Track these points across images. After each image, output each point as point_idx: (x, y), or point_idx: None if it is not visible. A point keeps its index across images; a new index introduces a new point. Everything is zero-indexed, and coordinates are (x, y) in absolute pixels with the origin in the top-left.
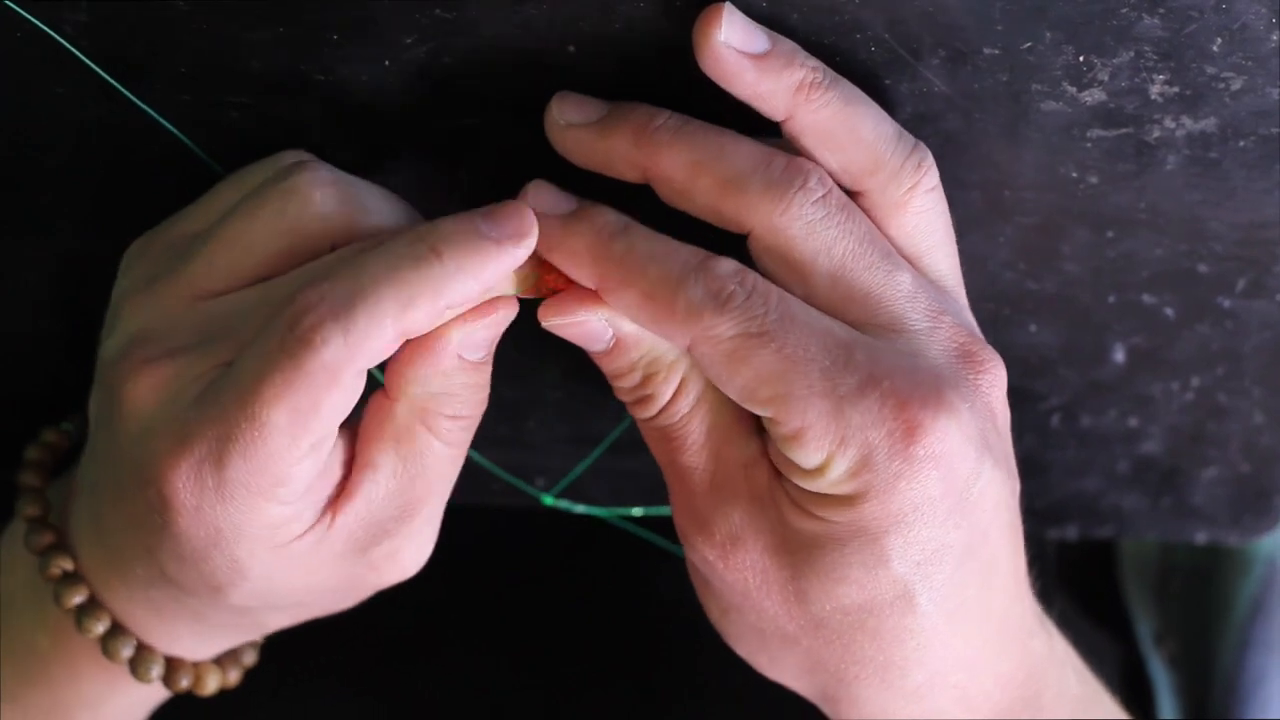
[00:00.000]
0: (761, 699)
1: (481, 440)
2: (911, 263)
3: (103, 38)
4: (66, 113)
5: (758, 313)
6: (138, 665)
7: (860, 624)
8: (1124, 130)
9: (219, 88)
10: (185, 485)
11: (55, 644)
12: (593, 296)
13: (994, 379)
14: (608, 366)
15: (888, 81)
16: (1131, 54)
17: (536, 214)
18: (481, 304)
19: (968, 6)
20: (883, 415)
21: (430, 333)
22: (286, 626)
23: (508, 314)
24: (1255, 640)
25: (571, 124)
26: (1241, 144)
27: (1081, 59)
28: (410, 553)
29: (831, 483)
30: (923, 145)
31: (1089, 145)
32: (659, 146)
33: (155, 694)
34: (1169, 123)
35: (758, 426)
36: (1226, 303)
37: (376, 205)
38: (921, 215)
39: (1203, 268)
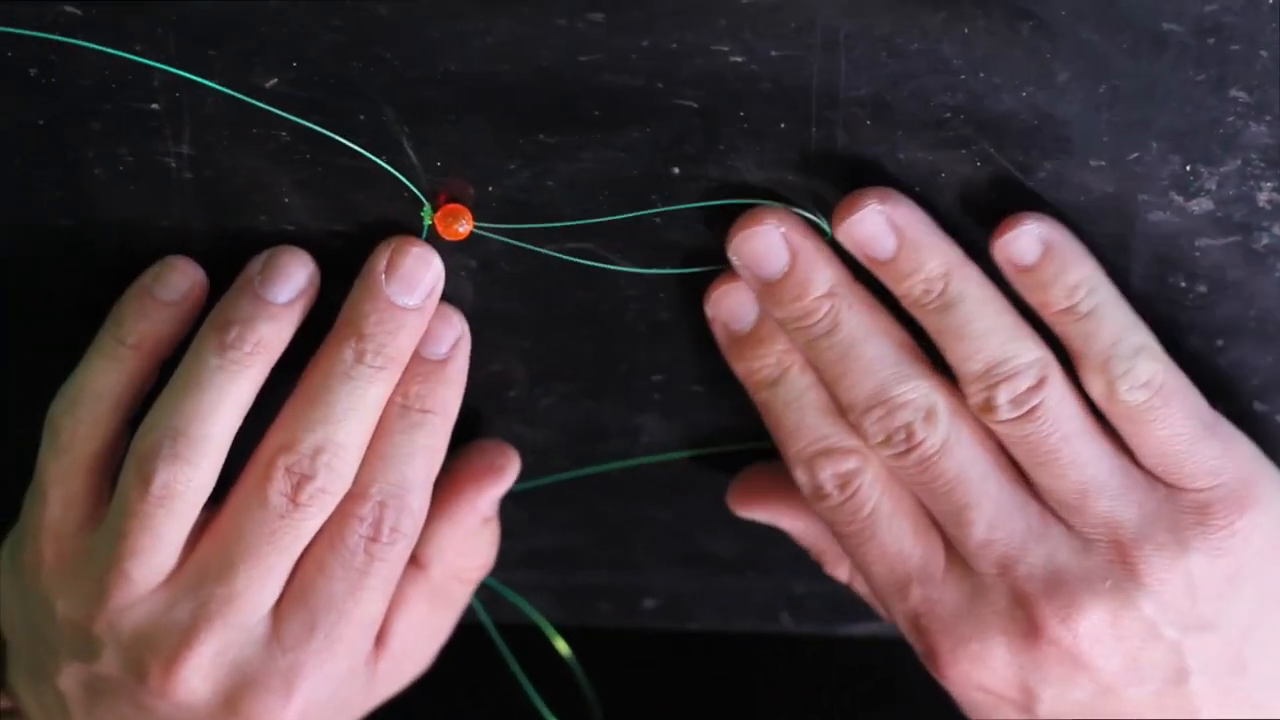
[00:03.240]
0: None
1: (589, 561)
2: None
3: (203, 168)
4: (170, 245)
5: (842, 519)
6: None
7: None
8: (1232, 239)
9: (321, 215)
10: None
11: None
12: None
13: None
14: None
15: (993, 195)
16: (1239, 162)
17: (720, 327)
18: (495, 466)
19: (1073, 120)
20: (917, 644)
21: (459, 506)
22: None
23: (515, 469)
24: None
25: None
26: None
27: (1188, 168)
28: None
29: None
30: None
31: (1198, 254)
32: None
33: None
34: (1277, 229)
35: None
36: None
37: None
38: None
39: None
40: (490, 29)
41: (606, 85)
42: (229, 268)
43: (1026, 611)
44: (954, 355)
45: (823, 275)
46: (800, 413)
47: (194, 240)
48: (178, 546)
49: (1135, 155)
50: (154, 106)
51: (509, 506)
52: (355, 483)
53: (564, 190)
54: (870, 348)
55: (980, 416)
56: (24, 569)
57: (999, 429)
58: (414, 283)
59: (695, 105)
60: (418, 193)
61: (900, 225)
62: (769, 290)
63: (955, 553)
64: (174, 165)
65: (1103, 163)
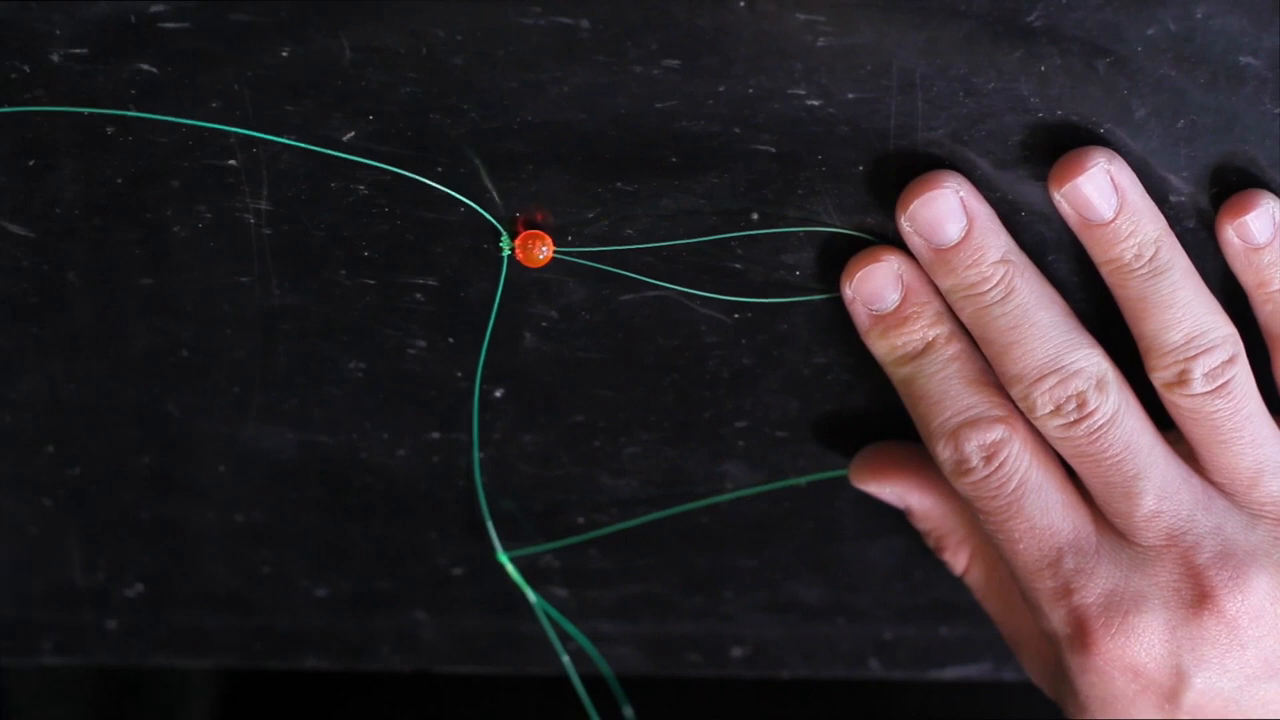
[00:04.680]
0: None
1: (677, 611)
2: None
3: (282, 223)
4: (250, 302)
5: (987, 493)
6: None
7: None
8: None
9: (402, 268)
10: None
11: None
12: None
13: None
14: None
15: (1073, 233)
16: None
17: (859, 308)
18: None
19: (1152, 155)
20: (1063, 623)
21: None
22: None
23: None
24: None
25: None
26: None
27: None
28: None
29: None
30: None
31: None
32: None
33: None
34: None
35: None
36: None
37: None
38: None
39: None
40: (566, 78)
41: (684, 131)
42: (310, 323)
43: (1195, 581)
44: (1152, 324)
45: (998, 240)
46: (945, 384)
47: (273, 296)
48: None
49: (1215, 190)
50: (231, 163)
51: (595, 555)
52: None
53: (643, 238)
54: (1043, 314)
55: (1166, 392)
56: None
57: (1185, 404)
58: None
59: (773, 150)
60: (495, 223)
61: (1122, 186)
62: (942, 257)
63: (1106, 525)
64: (253, 221)
65: (1182, 198)
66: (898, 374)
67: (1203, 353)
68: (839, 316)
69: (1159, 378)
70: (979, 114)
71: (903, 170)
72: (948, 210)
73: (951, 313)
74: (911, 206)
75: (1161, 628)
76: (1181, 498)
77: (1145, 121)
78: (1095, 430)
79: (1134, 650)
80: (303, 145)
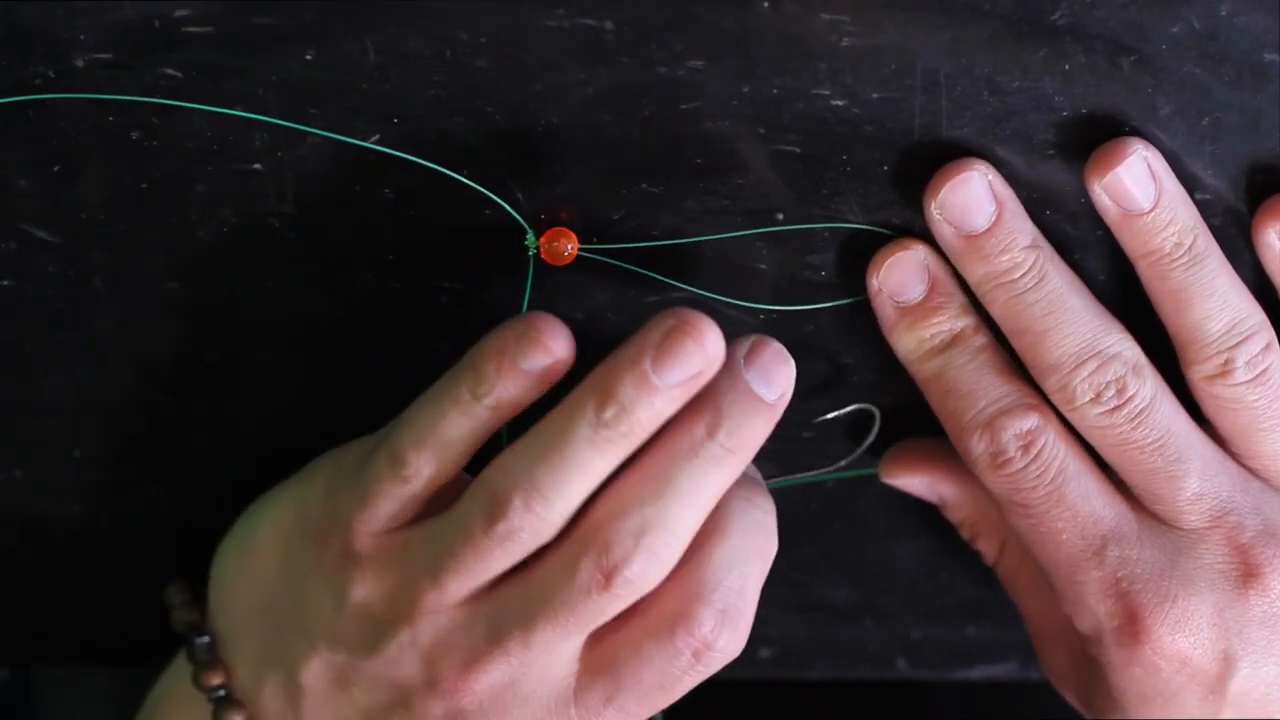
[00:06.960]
0: None
1: None
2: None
3: (307, 227)
4: (274, 306)
5: (1026, 484)
6: None
7: None
8: None
9: (427, 272)
10: None
11: None
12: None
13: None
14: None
15: (1099, 231)
16: None
17: (885, 301)
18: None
19: (1177, 153)
20: (1111, 615)
21: None
22: None
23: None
24: None
25: None
26: None
27: None
28: None
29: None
30: (1257, 334)
31: None
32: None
33: None
34: None
35: None
36: None
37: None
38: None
39: None
40: (591, 80)
41: (708, 132)
42: (334, 327)
43: (1241, 559)
44: (1194, 315)
45: (1027, 226)
46: (976, 375)
47: (298, 300)
48: (496, 575)
49: (1241, 186)
50: (256, 167)
51: None
52: (700, 580)
53: (668, 239)
54: (1075, 300)
55: (1206, 385)
56: (323, 550)
57: (1226, 394)
58: (773, 377)
59: (798, 150)
60: (520, 220)
61: (1159, 175)
62: (973, 244)
63: (1143, 512)
64: (277, 225)
65: (1208, 196)
66: (925, 369)
67: (1243, 340)
68: (864, 319)
69: (1200, 371)
70: (1003, 113)
71: (927, 169)
72: (978, 195)
73: (976, 307)
74: (941, 192)
75: (1210, 610)
76: (1221, 480)
77: (1170, 119)
78: (1137, 415)
79: (1182, 637)
80: (331, 135)
